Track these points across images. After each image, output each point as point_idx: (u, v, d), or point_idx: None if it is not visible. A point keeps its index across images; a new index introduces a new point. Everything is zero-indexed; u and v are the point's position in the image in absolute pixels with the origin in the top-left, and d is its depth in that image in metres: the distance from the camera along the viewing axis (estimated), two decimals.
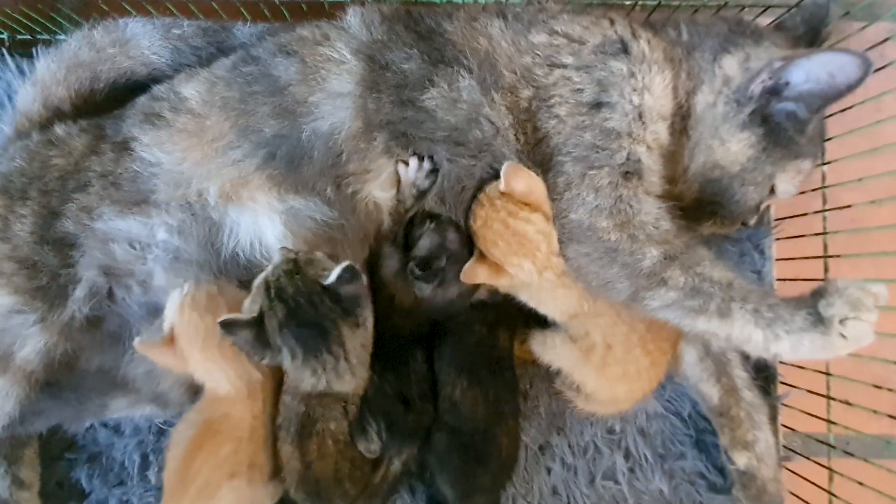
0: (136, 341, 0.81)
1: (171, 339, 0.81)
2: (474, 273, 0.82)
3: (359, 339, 0.80)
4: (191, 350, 0.80)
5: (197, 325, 0.80)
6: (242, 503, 0.82)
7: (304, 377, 0.79)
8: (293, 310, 0.77)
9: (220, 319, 0.76)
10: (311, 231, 0.84)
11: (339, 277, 0.77)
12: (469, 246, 0.84)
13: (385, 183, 0.84)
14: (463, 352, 0.88)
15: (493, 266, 0.82)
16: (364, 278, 0.80)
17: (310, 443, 0.80)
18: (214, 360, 0.81)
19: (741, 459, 0.91)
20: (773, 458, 0.92)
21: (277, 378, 0.84)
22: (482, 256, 0.83)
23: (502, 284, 0.84)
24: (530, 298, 0.86)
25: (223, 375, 0.81)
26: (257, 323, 0.77)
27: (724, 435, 0.92)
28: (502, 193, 0.80)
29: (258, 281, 0.79)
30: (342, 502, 0.81)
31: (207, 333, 0.79)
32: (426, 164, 0.82)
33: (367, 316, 0.80)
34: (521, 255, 0.80)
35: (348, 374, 0.79)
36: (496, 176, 0.81)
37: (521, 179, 0.79)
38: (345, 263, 0.77)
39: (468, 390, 0.86)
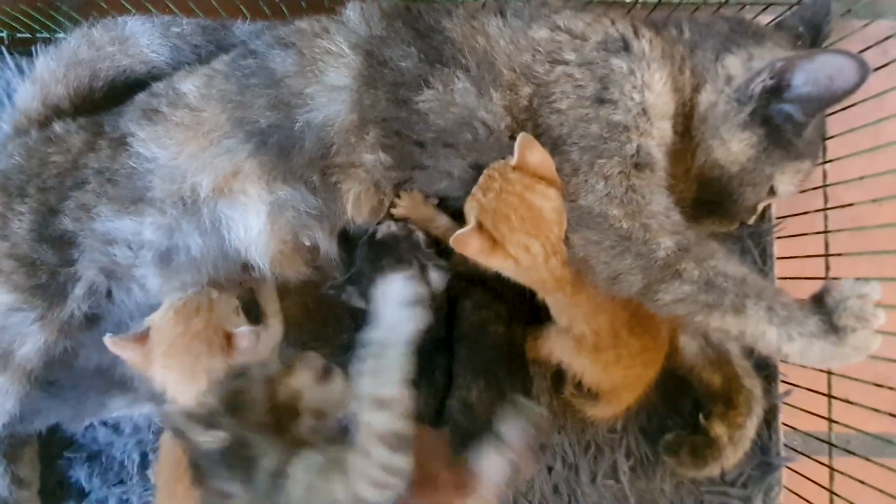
0: (107, 337, 0.81)
1: (144, 338, 0.81)
2: (465, 241, 0.77)
3: None
4: (156, 350, 0.80)
5: (172, 327, 0.79)
6: None
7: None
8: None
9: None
10: (290, 222, 0.84)
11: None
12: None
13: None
14: (480, 354, 0.87)
15: (489, 241, 0.77)
16: None
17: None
18: (171, 369, 0.79)
19: (718, 429, 0.91)
20: (743, 451, 0.92)
21: None
22: (480, 228, 0.78)
23: (492, 264, 0.80)
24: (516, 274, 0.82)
25: (179, 388, 0.80)
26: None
27: (716, 408, 0.92)
28: (514, 168, 0.77)
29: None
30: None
31: (176, 340, 0.79)
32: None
33: None
34: (531, 234, 0.76)
35: None
36: (478, 173, 0.79)
37: (535, 151, 0.77)
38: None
39: (485, 393, 0.84)
